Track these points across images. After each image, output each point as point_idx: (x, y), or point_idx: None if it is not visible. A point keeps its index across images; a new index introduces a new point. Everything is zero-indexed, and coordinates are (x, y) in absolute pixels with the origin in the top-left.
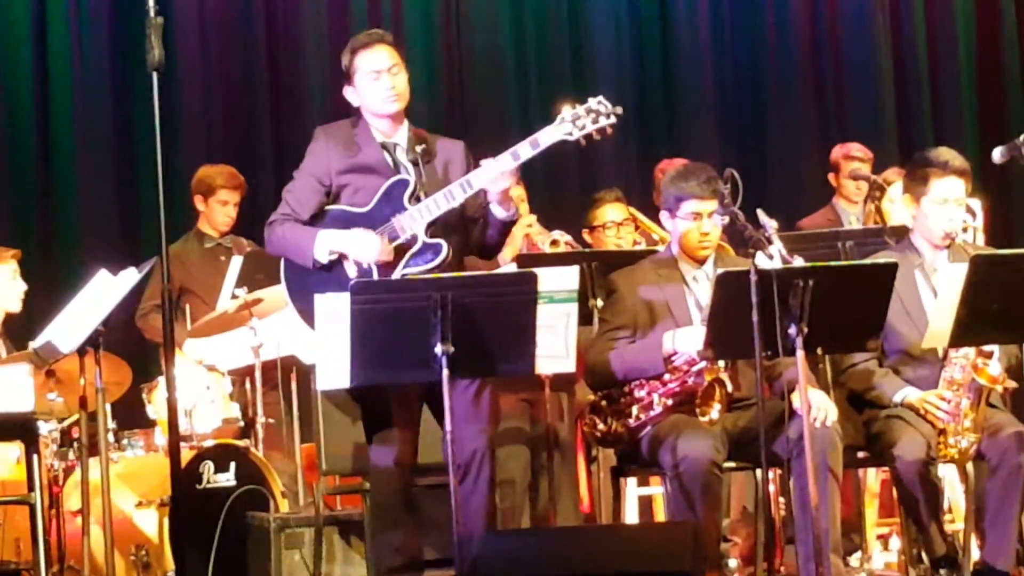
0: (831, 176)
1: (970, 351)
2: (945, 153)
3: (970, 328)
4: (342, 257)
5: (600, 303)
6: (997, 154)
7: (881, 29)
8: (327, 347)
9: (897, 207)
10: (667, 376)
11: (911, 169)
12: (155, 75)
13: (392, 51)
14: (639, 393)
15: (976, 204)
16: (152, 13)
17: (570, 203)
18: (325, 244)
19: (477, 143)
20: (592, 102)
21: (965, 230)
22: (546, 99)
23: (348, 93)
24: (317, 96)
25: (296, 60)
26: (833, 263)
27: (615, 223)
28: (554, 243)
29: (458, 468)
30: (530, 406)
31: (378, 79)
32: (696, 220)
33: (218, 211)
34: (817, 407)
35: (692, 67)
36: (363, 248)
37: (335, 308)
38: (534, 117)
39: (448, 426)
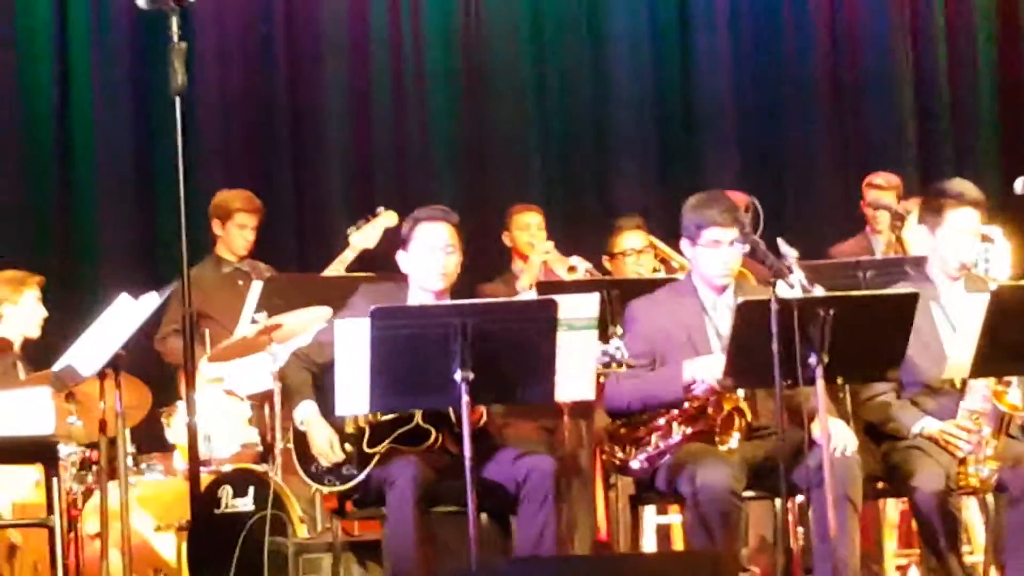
0: (862, 204)
1: (990, 382)
2: (959, 184)
3: (991, 360)
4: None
5: (619, 331)
6: (1019, 185)
7: (903, 58)
8: (347, 373)
9: (915, 237)
10: (686, 404)
11: (926, 200)
12: (178, 100)
13: (452, 231)
14: (658, 421)
15: (995, 232)
16: (175, 38)
17: (589, 230)
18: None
19: (496, 173)
20: None
21: (987, 261)
22: (566, 123)
23: (401, 258)
24: (335, 120)
25: (315, 85)
26: (853, 292)
27: (635, 250)
28: (571, 269)
29: (522, 491)
30: (549, 433)
31: (431, 255)
32: (716, 248)
33: (236, 235)
34: (837, 437)
35: (712, 94)
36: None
37: (355, 334)
38: (553, 144)
39: (468, 452)
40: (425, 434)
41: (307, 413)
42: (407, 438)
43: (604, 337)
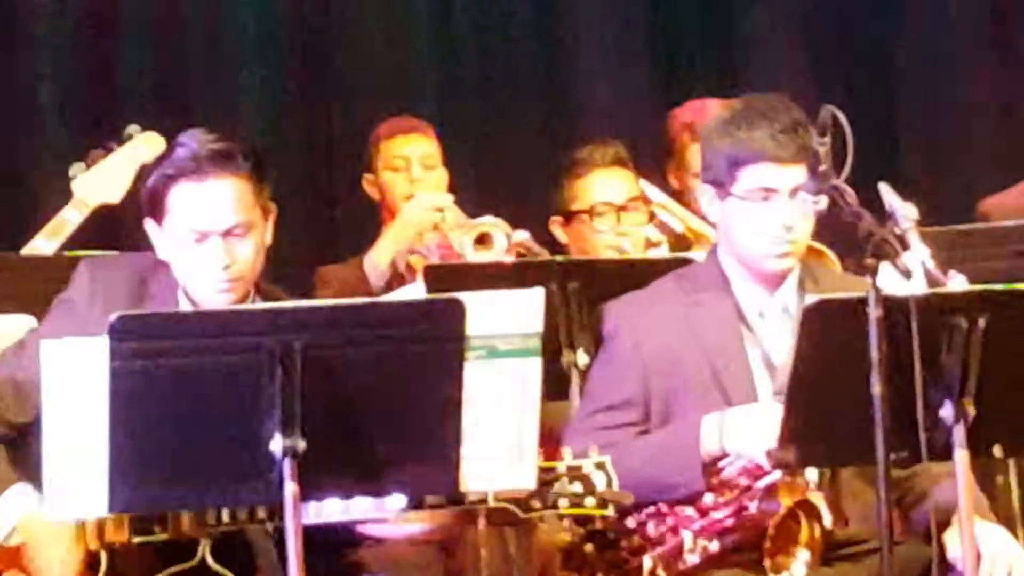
0: None
1: None
2: None
3: None
4: None
5: (583, 358)
6: None
7: None
8: (61, 440)
9: None
10: (711, 498)
11: None
12: None
13: (242, 188)
14: (659, 528)
15: None
16: None
17: (530, 171)
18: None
19: (353, 79)
20: None
21: None
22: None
23: (152, 232)
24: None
25: None
26: None
27: (613, 206)
28: (483, 241)
29: None
30: (445, 555)
31: (200, 244)
32: (768, 201)
33: None
34: (992, 558)
35: None
36: None
37: (77, 364)
38: (459, 36)
39: None
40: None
41: (19, 511)
42: None
43: (555, 369)
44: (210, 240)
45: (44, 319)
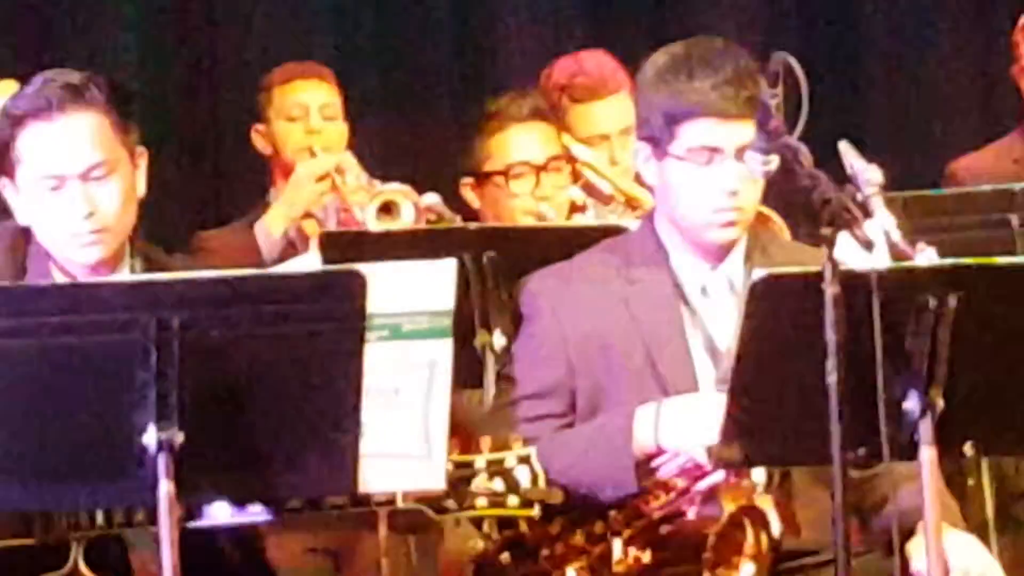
0: (1014, 71)
1: None
2: None
3: None
4: None
5: (501, 340)
6: None
7: None
8: None
9: None
10: (644, 501)
11: None
12: None
13: (100, 126)
14: (585, 535)
15: None
16: None
17: (439, 127)
18: None
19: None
20: None
21: None
22: None
23: (7, 191)
24: None
25: None
26: (1004, 259)
27: (531, 166)
28: (388, 208)
29: None
30: (336, 564)
31: (56, 192)
32: (710, 163)
33: None
34: (964, 571)
35: None
36: None
37: None
38: None
39: None
40: None
41: None
42: None
43: (468, 352)
44: (68, 186)
45: None
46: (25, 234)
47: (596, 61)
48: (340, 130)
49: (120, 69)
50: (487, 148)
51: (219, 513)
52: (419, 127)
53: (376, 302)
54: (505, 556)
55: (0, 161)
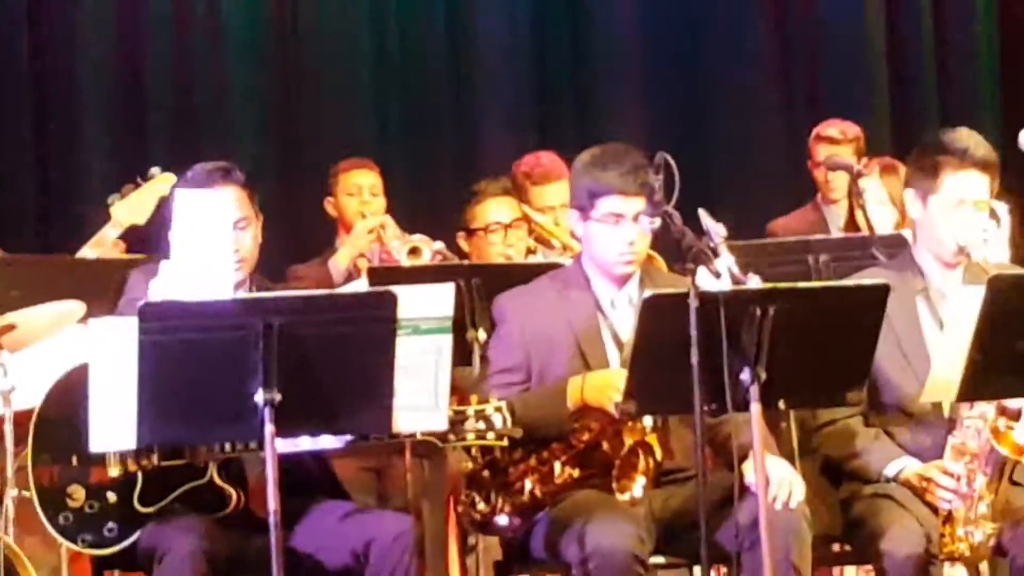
0: (809, 165)
1: (988, 409)
2: (965, 138)
3: (986, 376)
4: None
5: (482, 335)
6: None
7: None
8: (105, 391)
9: (881, 208)
10: (573, 438)
11: (918, 157)
12: None
13: (241, 196)
14: (537, 459)
15: (1001, 208)
16: None
17: (444, 198)
18: None
19: (317, 128)
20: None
21: (985, 243)
22: (413, 66)
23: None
24: (89, 67)
25: (62, 24)
26: (803, 284)
27: (502, 225)
28: (414, 251)
29: (365, 569)
30: (378, 477)
31: (210, 232)
32: (616, 223)
33: None
34: (778, 482)
35: (611, 23)
36: None
37: (117, 339)
38: (395, 93)
39: (272, 505)
40: (222, 496)
41: None
42: (197, 498)
43: (462, 343)
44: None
45: (121, 301)
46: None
47: (548, 158)
48: (381, 201)
49: (241, 162)
50: (473, 213)
51: (304, 444)
52: (431, 198)
53: (403, 310)
54: (486, 473)
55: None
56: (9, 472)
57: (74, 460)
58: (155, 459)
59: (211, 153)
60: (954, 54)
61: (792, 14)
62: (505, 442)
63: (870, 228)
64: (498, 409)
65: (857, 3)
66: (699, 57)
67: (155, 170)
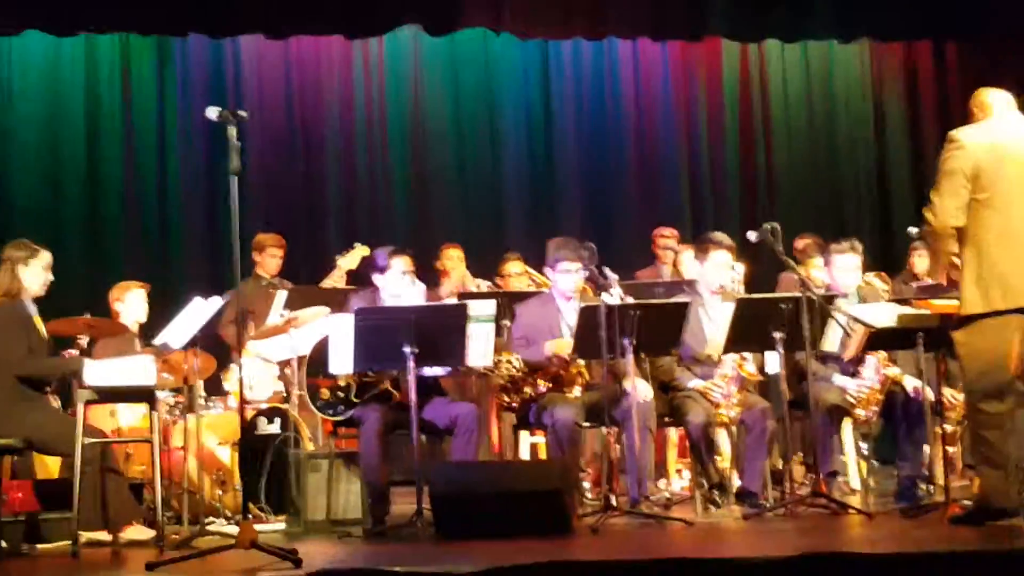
0: (654, 246)
1: (736, 357)
2: (719, 235)
3: (735, 343)
4: None
5: (508, 323)
6: (751, 235)
7: (682, 149)
8: (339, 346)
9: (687, 267)
10: (548, 370)
11: (698, 243)
12: (234, 178)
13: (409, 262)
14: (530, 379)
15: (739, 267)
16: (233, 139)
17: (489, 261)
18: None
19: (434, 224)
20: None
21: (734, 282)
22: (477, 192)
23: (377, 278)
24: (332, 186)
25: (318, 163)
26: (651, 301)
27: (516, 274)
28: (478, 287)
29: (455, 430)
30: (461, 385)
31: (400, 279)
32: (567, 274)
33: (268, 262)
34: (640, 389)
35: (566, 172)
36: None
37: (346, 324)
38: (468, 207)
39: (413, 396)
40: (388, 395)
41: None
42: (378, 396)
43: (500, 327)
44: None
45: (342, 309)
46: (375, 292)
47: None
48: (463, 263)
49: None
50: (503, 268)
51: (428, 371)
52: (486, 260)
53: (472, 311)
54: (508, 385)
55: (382, 269)
56: (295, 384)
57: (323, 375)
58: (359, 377)
59: (385, 239)
60: (719, 200)
61: (645, 178)
62: (517, 372)
63: (682, 277)
64: (515, 358)
65: (675, 171)
66: (605, 194)
67: (357, 244)
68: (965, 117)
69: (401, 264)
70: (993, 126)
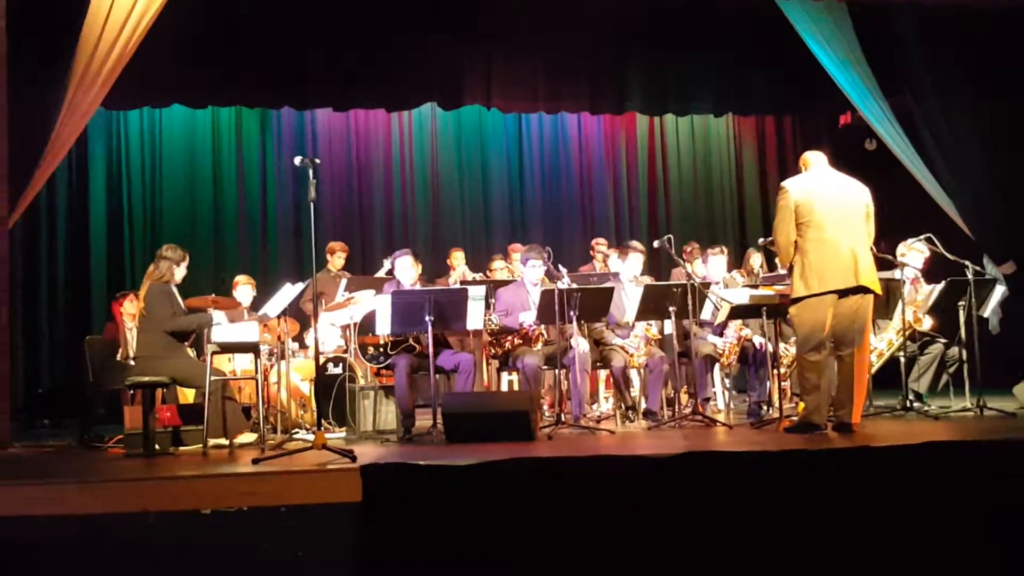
0: (591, 251)
1: (644, 323)
2: (635, 242)
3: (643, 314)
4: None
5: (493, 301)
6: (656, 243)
7: (608, 179)
8: (382, 316)
9: (613, 264)
10: (519, 332)
11: (621, 248)
12: (311, 205)
13: (414, 259)
14: (507, 337)
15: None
16: (311, 177)
17: (482, 259)
18: None
19: (446, 235)
20: None
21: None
22: (476, 214)
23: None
24: (378, 213)
25: (370, 195)
26: (589, 286)
27: (499, 269)
28: (474, 278)
29: (458, 371)
30: (460, 342)
31: (408, 270)
32: (533, 268)
33: (336, 260)
34: (581, 344)
35: (533, 201)
36: None
37: (385, 300)
38: (469, 223)
39: (431, 350)
40: (413, 347)
41: None
42: (408, 348)
43: (488, 304)
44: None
45: (382, 292)
46: (399, 282)
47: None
48: (464, 263)
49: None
50: (490, 266)
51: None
52: (479, 259)
53: (470, 294)
54: (494, 340)
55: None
56: (353, 342)
57: (370, 335)
58: (390, 338)
59: (411, 245)
60: (634, 216)
61: (587, 192)
62: (498, 329)
63: (609, 271)
64: (497, 323)
65: (604, 182)
66: (564, 206)
67: (387, 260)
68: (796, 168)
69: (407, 260)
70: (811, 176)
